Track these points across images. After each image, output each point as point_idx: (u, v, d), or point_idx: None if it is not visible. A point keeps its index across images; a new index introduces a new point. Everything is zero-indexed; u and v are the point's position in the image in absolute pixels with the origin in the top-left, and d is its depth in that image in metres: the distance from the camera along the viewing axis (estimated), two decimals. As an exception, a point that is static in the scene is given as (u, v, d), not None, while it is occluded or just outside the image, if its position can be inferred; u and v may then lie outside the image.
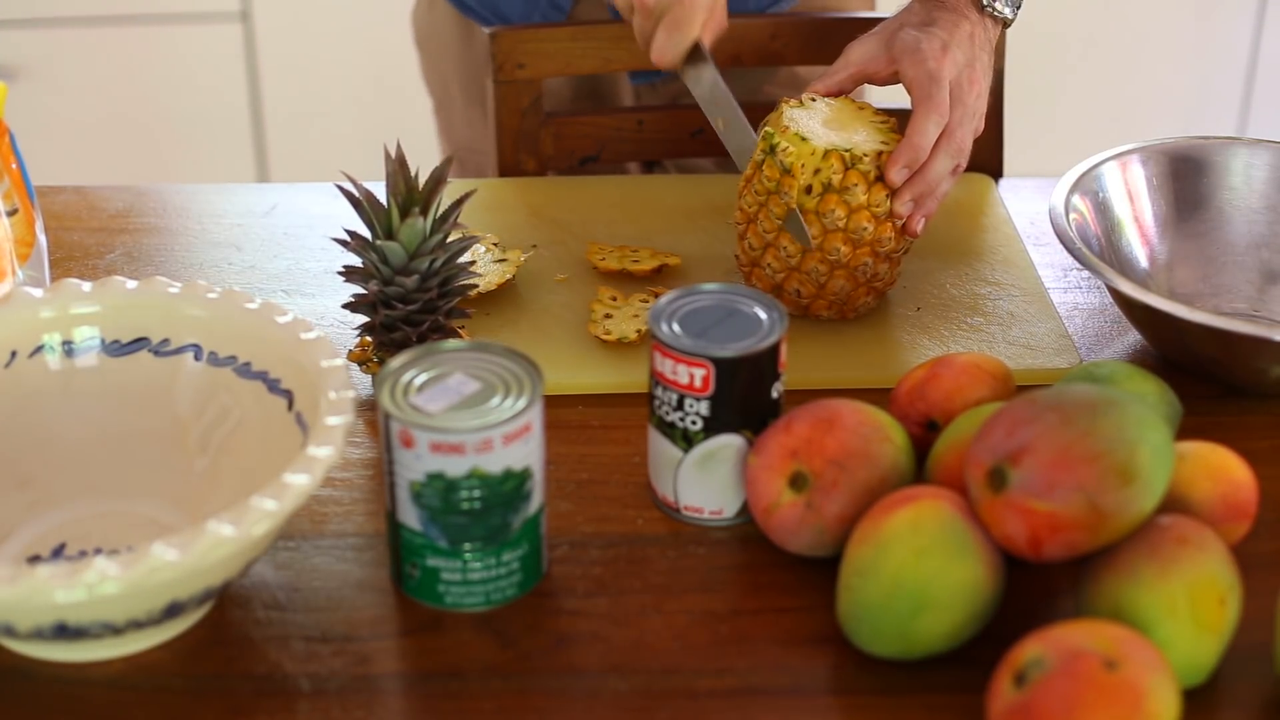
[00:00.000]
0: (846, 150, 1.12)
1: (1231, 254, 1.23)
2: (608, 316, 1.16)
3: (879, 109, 1.19)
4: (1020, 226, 1.31)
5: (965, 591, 0.87)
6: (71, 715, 0.87)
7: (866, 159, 1.12)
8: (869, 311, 1.19)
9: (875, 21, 1.36)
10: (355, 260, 1.06)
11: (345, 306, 1.07)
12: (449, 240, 1.05)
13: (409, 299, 1.04)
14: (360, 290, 1.06)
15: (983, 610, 0.88)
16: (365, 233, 1.05)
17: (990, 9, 1.22)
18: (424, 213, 1.03)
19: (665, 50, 1.19)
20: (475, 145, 1.57)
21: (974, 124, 1.19)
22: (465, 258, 1.18)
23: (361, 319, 1.09)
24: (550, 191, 1.36)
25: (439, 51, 1.58)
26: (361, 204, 1.04)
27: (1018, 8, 1.23)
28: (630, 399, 1.09)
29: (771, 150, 1.13)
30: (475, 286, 1.08)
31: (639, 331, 1.14)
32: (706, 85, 1.20)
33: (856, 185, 1.12)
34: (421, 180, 1.04)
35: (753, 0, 1.47)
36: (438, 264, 1.04)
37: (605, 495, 1.02)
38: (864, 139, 1.14)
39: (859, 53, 1.21)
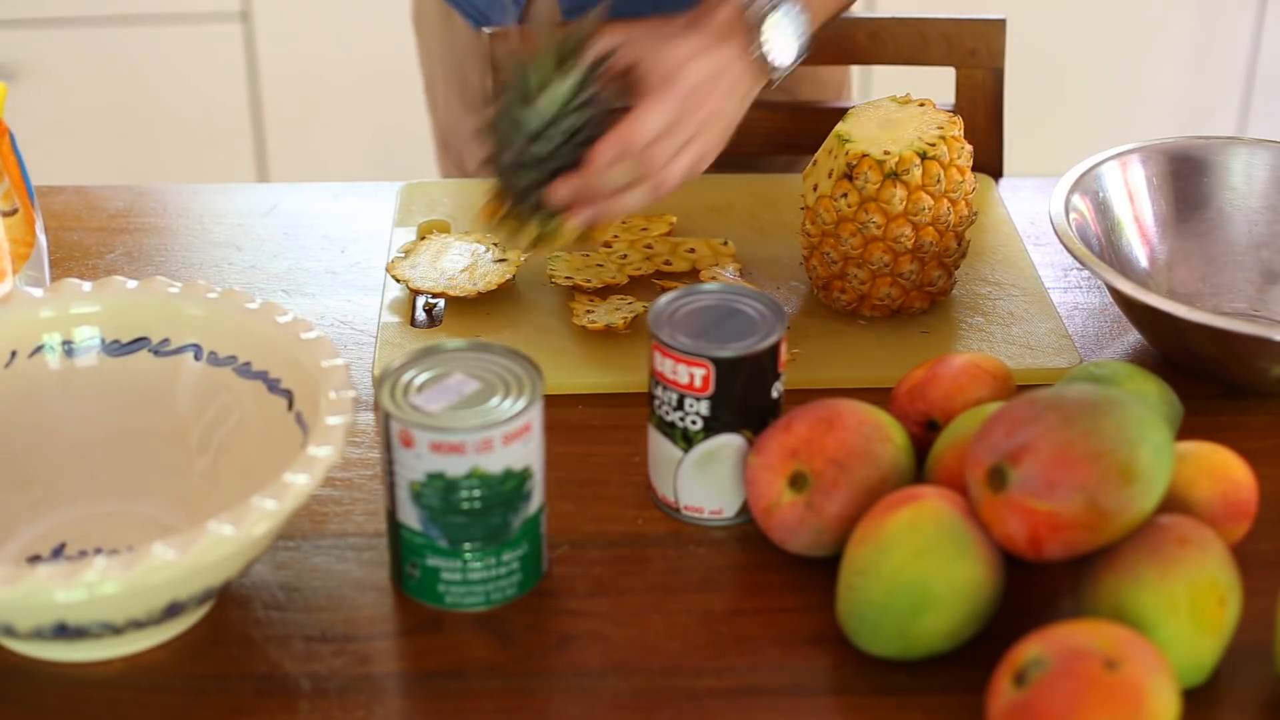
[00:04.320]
0: (884, 152, 1.13)
1: (1231, 254, 1.23)
2: (589, 312, 1.16)
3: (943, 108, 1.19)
4: (1020, 226, 1.31)
5: (965, 591, 0.87)
6: (71, 715, 0.87)
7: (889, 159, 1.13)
8: (913, 313, 1.19)
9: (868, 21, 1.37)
10: None
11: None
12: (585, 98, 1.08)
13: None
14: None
15: (983, 610, 0.88)
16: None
17: (761, 48, 1.11)
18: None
19: None
20: (455, 128, 1.58)
21: (689, 152, 1.09)
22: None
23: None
24: (550, 191, 1.35)
25: (426, 33, 1.59)
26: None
27: (796, 60, 1.12)
28: (630, 399, 1.09)
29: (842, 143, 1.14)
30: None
31: (624, 319, 1.14)
32: None
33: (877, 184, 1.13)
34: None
35: None
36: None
37: (605, 495, 1.02)
38: (910, 135, 1.14)
39: (614, 34, 1.11)
